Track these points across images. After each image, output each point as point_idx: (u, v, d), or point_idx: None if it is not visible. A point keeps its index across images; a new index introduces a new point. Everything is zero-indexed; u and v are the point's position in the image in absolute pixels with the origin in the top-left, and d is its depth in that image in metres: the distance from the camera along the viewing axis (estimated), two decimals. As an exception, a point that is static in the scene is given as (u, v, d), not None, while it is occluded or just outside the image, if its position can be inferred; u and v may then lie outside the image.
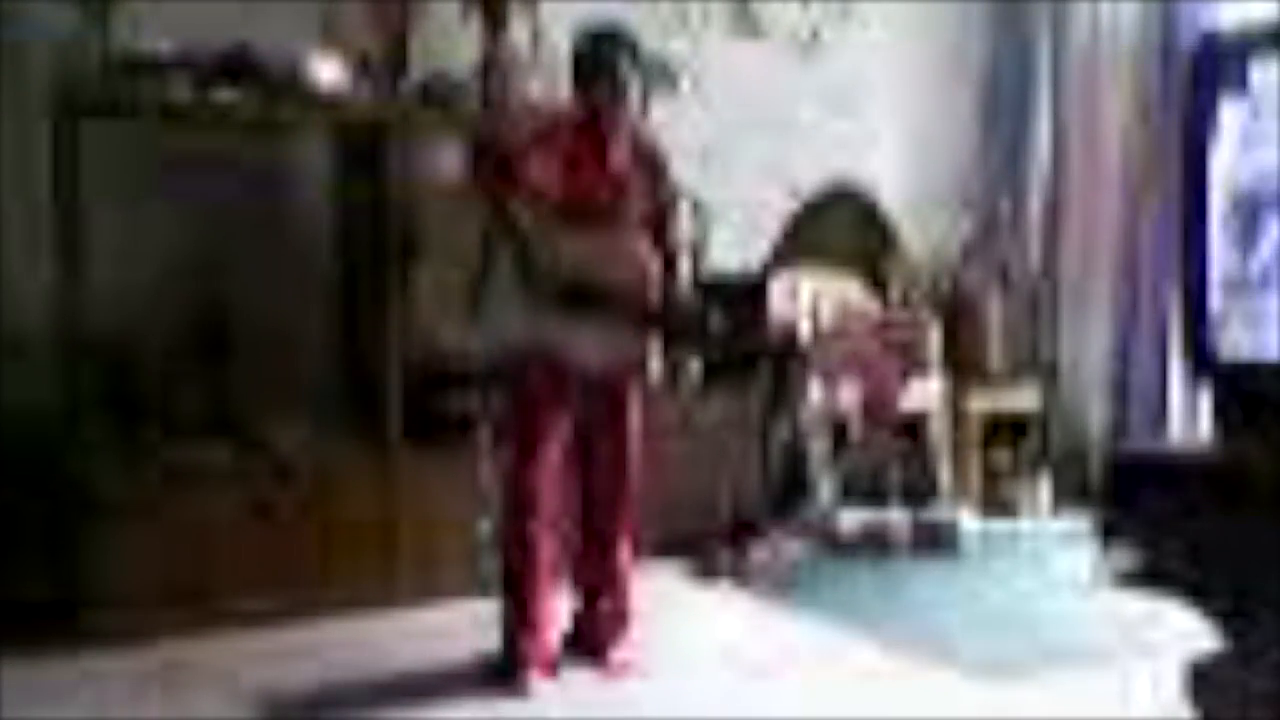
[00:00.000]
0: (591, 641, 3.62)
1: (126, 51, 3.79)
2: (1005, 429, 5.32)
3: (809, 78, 5.33)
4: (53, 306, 3.87)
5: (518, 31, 4.40)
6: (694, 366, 4.63)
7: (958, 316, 5.34)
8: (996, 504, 5.20)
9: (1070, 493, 5.25)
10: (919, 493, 5.02)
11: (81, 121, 3.73)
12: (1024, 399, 5.40)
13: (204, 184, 4.19)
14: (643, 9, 4.76)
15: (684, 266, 3.57)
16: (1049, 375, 5.50)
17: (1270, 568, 2.36)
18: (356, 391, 4.29)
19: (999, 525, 5.04)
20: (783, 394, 4.85)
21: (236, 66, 3.89)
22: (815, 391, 4.86)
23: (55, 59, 3.77)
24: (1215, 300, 2.54)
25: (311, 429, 4.12)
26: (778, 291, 4.79)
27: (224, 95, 3.87)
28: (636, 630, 3.65)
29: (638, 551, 3.70)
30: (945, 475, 5.07)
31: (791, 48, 5.30)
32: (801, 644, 3.84)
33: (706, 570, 4.50)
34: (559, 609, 3.58)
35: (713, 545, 4.58)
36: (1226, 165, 2.52)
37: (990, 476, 5.25)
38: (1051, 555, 4.71)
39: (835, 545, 4.83)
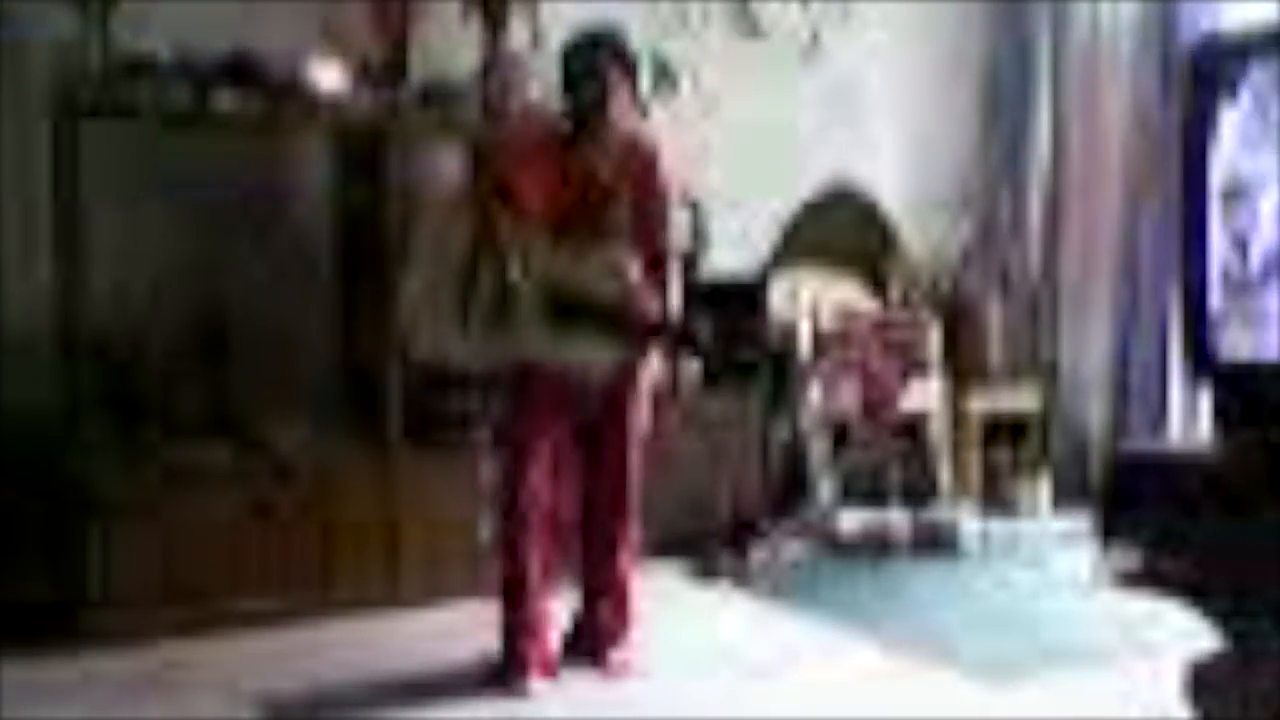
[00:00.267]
0: (591, 642, 3.62)
1: (126, 53, 3.79)
2: (1005, 429, 5.32)
3: (809, 78, 5.33)
4: (53, 307, 3.87)
5: (518, 34, 4.41)
6: (693, 368, 4.62)
7: (958, 317, 5.34)
8: (996, 504, 5.19)
9: (1070, 493, 5.25)
10: (919, 493, 5.03)
11: (81, 122, 3.73)
12: (1024, 399, 5.40)
13: (204, 186, 4.19)
14: (643, 9, 4.77)
15: (675, 274, 3.55)
16: (1049, 375, 5.50)
17: (1270, 568, 2.36)
18: (357, 391, 4.29)
19: (999, 525, 5.04)
20: (783, 394, 4.86)
21: (236, 70, 3.89)
22: (815, 391, 4.87)
23: (55, 60, 3.77)
24: (1215, 300, 2.54)
25: (312, 429, 4.12)
26: (778, 293, 4.80)
27: (224, 99, 3.86)
28: (637, 631, 3.65)
29: (638, 552, 3.69)
30: (945, 475, 5.07)
31: (791, 48, 5.30)
32: (801, 644, 3.84)
33: (706, 570, 4.50)
34: (557, 611, 3.58)
35: (713, 545, 4.58)
36: (1226, 166, 2.52)
37: (990, 476, 5.25)
38: (1051, 555, 4.71)
39: (835, 545, 4.83)
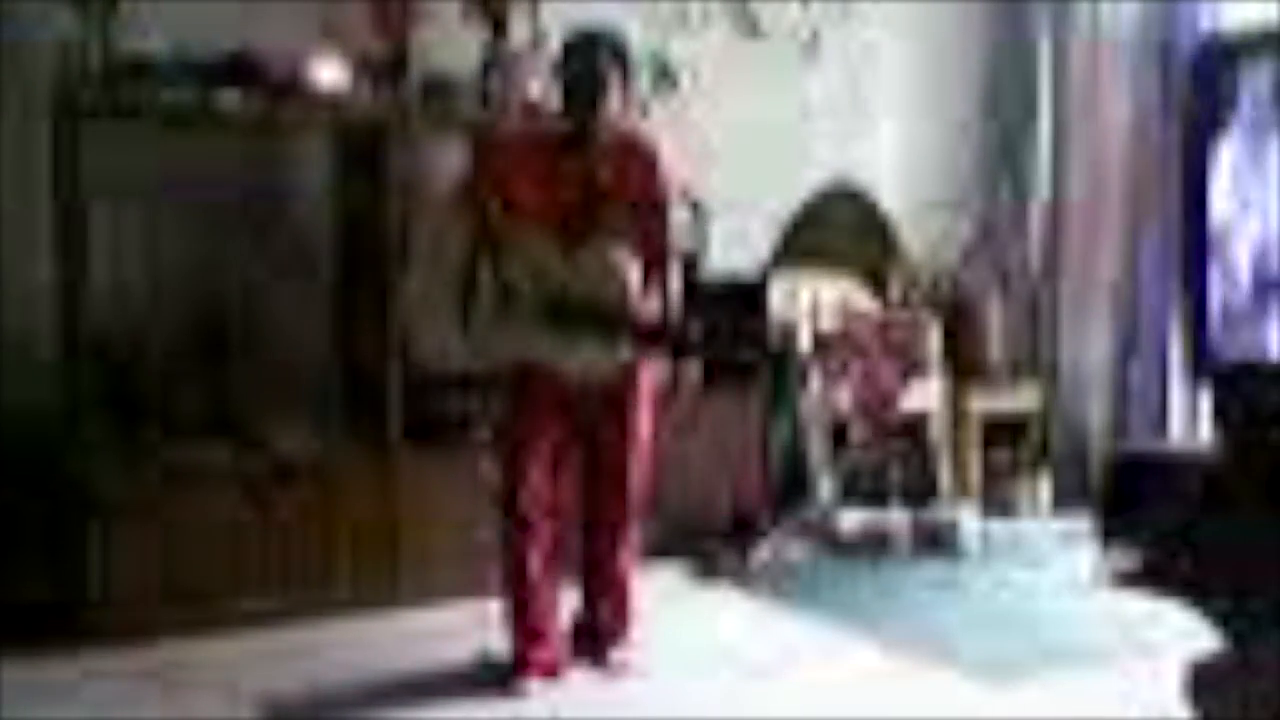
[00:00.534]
0: (592, 642, 3.62)
1: (127, 52, 3.78)
2: (1005, 429, 5.32)
3: (809, 77, 5.33)
4: (53, 306, 3.87)
5: (518, 32, 4.41)
6: (694, 369, 4.62)
7: (958, 317, 5.34)
8: (996, 504, 5.19)
9: (1070, 493, 5.25)
10: (919, 493, 5.02)
11: (82, 122, 3.73)
12: (1024, 399, 5.40)
13: (204, 185, 4.19)
14: (643, 9, 4.77)
15: (675, 274, 3.54)
16: (1049, 375, 5.50)
17: (1270, 568, 2.36)
18: (356, 391, 4.29)
19: (999, 525, 5.04)
20: (783, 394, 4.85)
21: (237, 68, 3.89)
22: (815, 392, 4.87)
23: (56, 59, 3.77)
24: (1216, 301, 2.55)
25: (312, 429, 4.12)
26: (778, 293, 4.79)
27: (224, 96, 3.86)
28: (637, 630, 3.64)
29: (638, 552, 3.69)
30: (945, 475, 5.07)
31: (791, 48, 5.30)
32: (801, 644, 3.84)
33: (707, 570, 4.50)
34: (559, 611, 3.58)
35: (713, 545, 4.58)
36: (1227, 166, 2.52)
37: (990, 476, 5.25)
38: (1051, 555, 4.71)
39: (835, 545, 4.83)
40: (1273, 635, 2.40)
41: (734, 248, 4.93)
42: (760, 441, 4.82)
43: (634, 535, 3.62)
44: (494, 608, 3.57)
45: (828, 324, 4.85)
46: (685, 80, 4.90)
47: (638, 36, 3.57)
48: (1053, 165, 5.57)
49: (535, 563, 3.46)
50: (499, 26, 4.34)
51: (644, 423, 3.55)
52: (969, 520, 4.95)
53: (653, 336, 3.44)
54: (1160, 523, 2.57)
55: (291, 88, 3.94)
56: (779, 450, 4.89)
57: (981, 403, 5.26)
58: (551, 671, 3.48)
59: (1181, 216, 4.94)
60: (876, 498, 5.07)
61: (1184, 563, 2.53)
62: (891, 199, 5.29)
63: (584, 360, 3.38)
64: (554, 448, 3.47)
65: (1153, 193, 5.13)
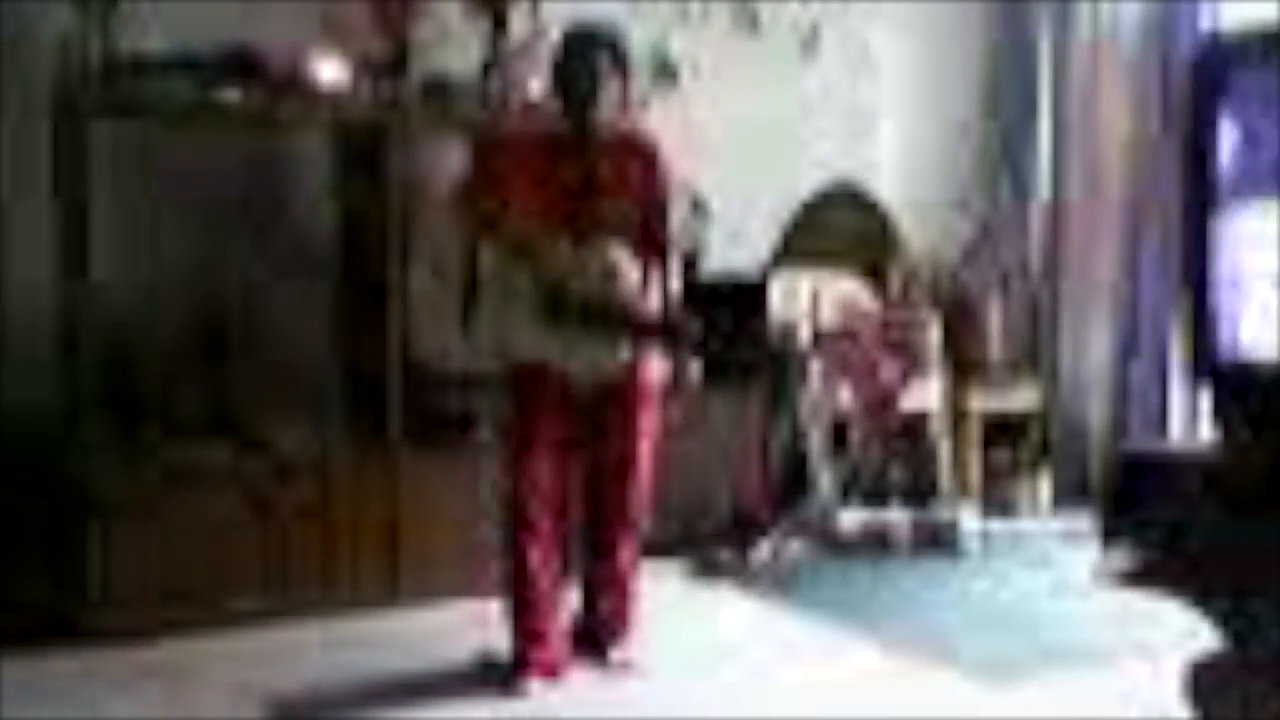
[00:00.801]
0: (593, 641, 3.61)
1: (127, 49, 3.78)
2: (1006, 429, 5.32)
3: (809, 75, 5.32)
4: (53, 306, 3.87)
5: (519, 29, 4.40)
6: (694, 367, 4.62)
7: (958, 316, 5.34)
8: (997, 503, 5.19)
9: (1070, 492, 5.25)
10: (919, 492, 5.02)
11: (82, 119, 3.73)
12: (1024, 398, 5.40)
13: (205, 184, 4.19)
14: (643, 7, 4.77)
15: (675, 272, 3.54)
16: (1049, 375, 5.50)
17: (1270, 568, 2.36)
18: (357, 391, 4.28)
19: (999, 525, 5.04)
20: (783, 393, 4.85)
21: (237, 66, 3.88)
22: (815, 391, 4.86)
23: (56, 57, 3.76)
24: (1217, 301, 2.54)
25: (312, 429, 4.11)
26: (778, 292, 4.79)
27: (224, 95, 3.86)
28: (638, 630, 3.64)
29: (640, 551, 3.69)
30: (945, 475, 5.07)
31: (791, 45, 5.30)
32: (801, 644, 3.84)
33: (707, 570, 4.50)
34: (559, 611, 3.57)
35: (713, 545, 4.58)
36: (1228, 166, 2.52)
37: (990, 476, 5.25)
38: (1052, 555, 4.71)
39: (835, 545, 4.82)
40: (1273, 635, 2.40)
41: (734, 246, 4.93)
42: (760, 441, 4.82)
43: (636, 535, 3.62)
44: (494, 607, 3.57)
45: (828, 323, 4.85)
46: (684, 76, 4.90)
47: (637, 32, 3.56)
48: (1053, 165, 5.57)
49: (536, 562, 3.45)
50: (499, 24, 4.34)
51: (648, 422, 3.55)
52: (969, 520, 4.95)
53: (653, 334, 3.44)
54: (1160, 523, 2.56)
55: (291, 85, 3.94)
56: (779, 450, 4.89)
57: (982, 402, 5.26)
58: (552, 671, 3.48)
59: (1181, 216, 4.94)
60: (876, 497, 5.07)
61: (1184, 563, 2.53)
62: (891, 198, 5.29)
63: (585, 359, 3.38)
64: (557, 447, 3.47)
65: (1153, 193, 5.13)
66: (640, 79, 4.35)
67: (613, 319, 3.36)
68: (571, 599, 3.64)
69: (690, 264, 4.43)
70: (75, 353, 3.77)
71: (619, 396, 3.49)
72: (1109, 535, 2.73)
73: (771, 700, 3.39)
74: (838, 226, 5.13)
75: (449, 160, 4.28)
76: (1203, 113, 2.54)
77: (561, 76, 3.40)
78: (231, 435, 3.98)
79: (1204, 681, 2.54)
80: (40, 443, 3.89)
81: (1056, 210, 5.55)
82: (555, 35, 3.57)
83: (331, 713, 3.31)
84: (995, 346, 5.40)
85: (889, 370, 4.89)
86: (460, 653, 3.64)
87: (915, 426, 5.03)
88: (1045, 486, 5.24)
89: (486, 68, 4.31)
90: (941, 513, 4.94)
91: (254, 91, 3.89)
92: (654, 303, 3.44)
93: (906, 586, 4.40)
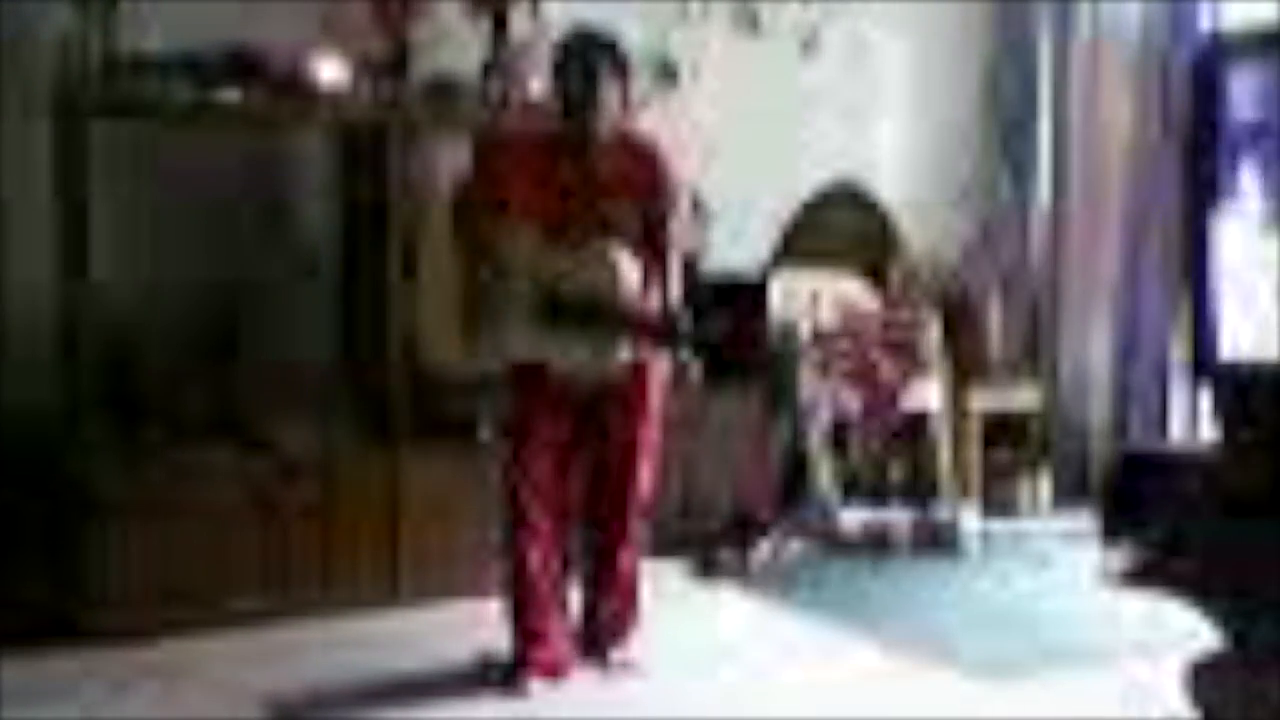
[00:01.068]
0: (594, 641, 3.61)
1: (127, 49, 3.78)
2: (1006, 428, 5.32)
3: (809, 75, 5.33)
4: (53, 306, 3.86)
5: (519, 30, 4.40)
6: (694, 368, 4.62)
7: (958, 316, 5.34)
8: (997, 503, 5.19)
9: (1071, 492, 5.25)
10: (919, 492, 5.02)
11: (82, 121, 3.73)
12: (1024, 398, 5.40)
13: (206, 183, 4.19)
14: (643, 6, 4.77)
15: (676, 273, 3.53)
16: (1049, 375, 5.50)
17: (1270, 568, 2.36)
18: (361, 391, 4.28)
19: (999, 524, 5.04)
20: (783, 393, 4.85)
21: (237, 66, 3.88)
22: (815, 390, 4.86)
23: (56, 56, 3.76)
24: (1217, 301, 2.55)
25: (316, 428, 4.11)
26: (778, 292, 4.79)
27: (225, 95, 3.86)
28: (639, 630, 3.64)
29: (641, 551, 3.69)
30: (945, 475, 5.07)
31: (791, 45, 5.30)
32: (801, 644, 3.84)
33: (707, 569, 4.50)
34: (560, 611, 3.57)
35: (713, 545, 4.58)
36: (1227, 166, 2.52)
37: (991, 476, 5.25)
38: (1052, 555, 4.71)
39: (836, 545, 4.82)
40: (1273, 634, 2.40)
41: (733, 246, 4.93)
42: (760, 441, 4.82)
43: (638, 535, 3.62)
44: (495, 607, 3.57)
45: (828, 323, 4.85)
46: (685, 76, 4.90)
47: (637, 32, 3.56)
48: (1053, 165, 5.57)
49: (536, 562, 3.45)
50: (499, 24, 4.34)
51: (648, 423, 3.55)
52: (969, 520, 4.95)
53: (653, 335, 3.44)
54: (1161, 523, 2.57)
55: (292, 85, 3.94)
56: (779, 450, 4.89)
57: (982, 402, 5.26)
58: (552, 671, 3.48)
59: (1181, 216, 4.95)
60: (877, 497, 5.07)
61: (1184, 562, 2.53)
62: (891, 198, 5.29)
63: (586, 360, 3.37)
64: (558, 447, 3.47)
65: (1153, 193, 5.13)
66: (640, 79, 4.36)
67: (612, 319, 3.36)
68: (573, 599, 3.64)
69: (690, 265, 4.43)
70: (75, 353, 3.76)
71: (619, 397, 3.49)
72: (1109, 535, 2.73)
73: (771, 700, 3.39)
74: (837, 226, 5.14)
75: (450, 160, 4.28)
76: (1203, 113, 2.55)
77: (561, 80, 3.40)
78: (235, 435, 3.98)
79: (1204, 680, 2.54)
80: (40, 443, 3.89)
81: (1056, 210, 5.56)
82: (555, 35, 3.57)
83: (331, 713, 3.31)
84: (995, 346, 5.40)
85: (889, 370, 4.89)
86: (461, 653, 3.64)
87: (915, 426, 5.03)
88: (1045, 486, 5.25)
89: (487, 68, 4.31)
90: (941, 512, 4.94)
91: (254, 91, 3.89)
92: (654, 303, 3.44)
93: (906, 586, 4.40)
